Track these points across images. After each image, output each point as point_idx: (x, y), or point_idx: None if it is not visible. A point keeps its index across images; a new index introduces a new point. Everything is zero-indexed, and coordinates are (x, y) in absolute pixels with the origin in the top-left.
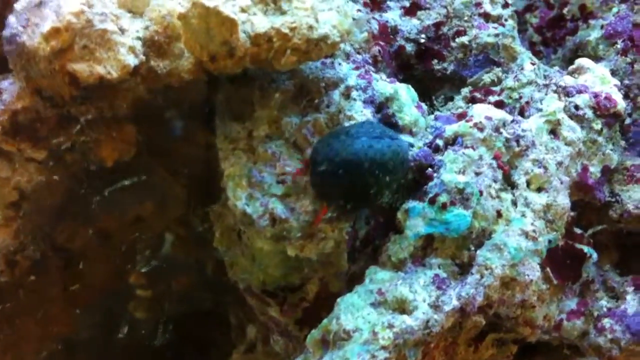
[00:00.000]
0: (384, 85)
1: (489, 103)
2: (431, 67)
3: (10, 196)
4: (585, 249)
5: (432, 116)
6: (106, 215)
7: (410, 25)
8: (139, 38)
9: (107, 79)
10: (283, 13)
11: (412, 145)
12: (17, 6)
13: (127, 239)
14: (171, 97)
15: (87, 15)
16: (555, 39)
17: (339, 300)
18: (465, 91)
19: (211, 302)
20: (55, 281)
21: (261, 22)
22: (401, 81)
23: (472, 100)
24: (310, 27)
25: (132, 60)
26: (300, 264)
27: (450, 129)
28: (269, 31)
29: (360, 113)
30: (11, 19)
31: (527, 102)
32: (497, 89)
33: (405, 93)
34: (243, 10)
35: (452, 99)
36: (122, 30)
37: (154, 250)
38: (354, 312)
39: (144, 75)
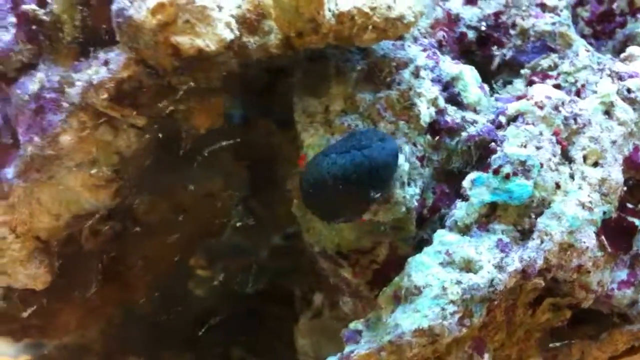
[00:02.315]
0: (449, 65)
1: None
2: (491, 53)
3: (112, 159)
4: (637, 221)
5: (493, 97)
6: (183, 189)
7: (471, 13)
8: (232, 15)
9: (205, 52)
10: None
11: (475, 122)
12: None
13: (200, 215)
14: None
15: None
16: (605, 31)
17: (409, 259)
18: (524, 74)
19: (267, 283)
20: (133, 252)
21: (345, 1)
22: None
23: (531, 84)
24: (389, 7)
25: (228, 35)
26: (372, 228)
27: (512, 107)
28: (352, 10)
29: (429, 91)
30: None
31: (583, 85)
32: (554, 73)
33: (470, 74)
34: None
35: (510, 83)
36: (219, 7)
37: (218, 231)
38: (424, 270)
39: (236, 50)
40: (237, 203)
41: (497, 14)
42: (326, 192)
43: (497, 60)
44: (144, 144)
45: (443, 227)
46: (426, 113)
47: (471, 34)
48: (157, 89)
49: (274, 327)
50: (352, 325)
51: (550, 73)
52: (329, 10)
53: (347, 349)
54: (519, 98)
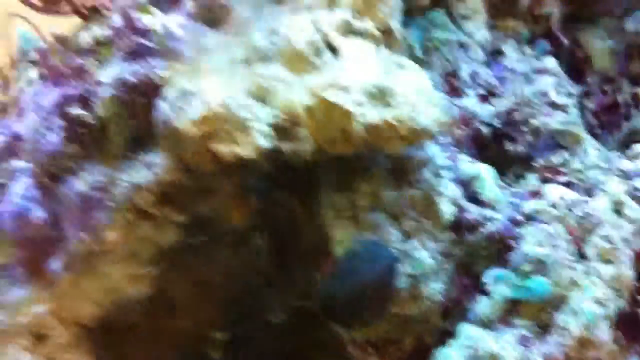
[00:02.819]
0: (468, 165)
1: (558, 183)
2: (504, 148)
3: (150, 252)
4: None
5: (508, 192)
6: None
7: (485, 111)
8: (269, 124)
9: (243, 159)
10: (389, 106)
11: (493, 219)
12: (167, 94)
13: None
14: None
15: (231, 105)
16: (610, 122)
17: (436, 353)
18: (536, 169)
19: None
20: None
21: (373, 115)
22: (479, 160)
23: (544, 180)
24: (413, 119)
25: (264, 143)
26: (399, 319)
27: (528, 206)
28: (379, 122)
29: (450, 190)
30: (163, 106)
31: (593, 184)
32: (565, 169)
33: (487, 173)
34: (359, 104)
35: (523, 176)
36: (257, 117)
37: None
38: None
39: (271, 156)
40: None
41: (510, 111)
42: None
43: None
44: (181, 237)
45: (465, 319)
46: (448, 212)
47: (485, 130)
48: (197, 190)
49: None
50: None
51: (561, 170)
52: (359, 123)
53: None
54: (533, 194)
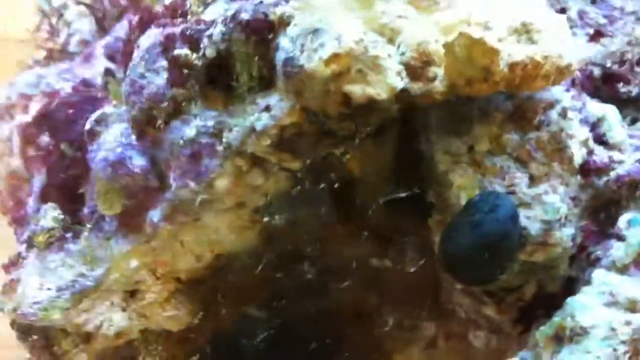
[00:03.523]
0: (594, 106)
1: None
2: (616, 90)
3: (258, 201)
4: None
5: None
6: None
7: (595, 51)
8: (400, 62)
9: (375, 100)
10: (534, 42)
11: (622, 162)
12: (290, 32)
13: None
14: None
15: (365, 42)
16: None
17: (569, 300)
18: None
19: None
20: None
21: (518, 51)
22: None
23: None
24: (560, 57)
25: (398, 83)
26: (524, 268)
27: None
28: (525, 59)
29: (579, 132)
30: (285, 44)
31: None
32: None
33: (613, 113)
34: (500, 40)
35: (636, 119)
36: (390, 56)
37: None
38: (589, 311)
39: (401, 97)
40: None
41: (621, 52)
42: (457, 270)
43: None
44: (292, 187)
45: (592, 265)
46: (579, 154)
47: (597, 71)
48: (317, 134)
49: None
50: None
51: None
52: (502, 60)
53: None
54: None
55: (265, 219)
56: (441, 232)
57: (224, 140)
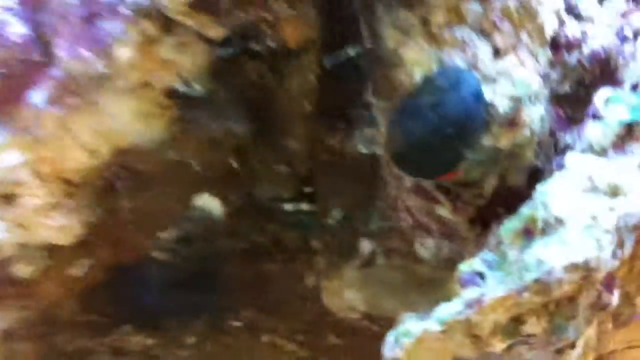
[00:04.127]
0: None
1: None
2: None
3: (171, 81)
4: None
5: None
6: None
7: None
8: None
9: None
10: None
11: (595, 36)
12: None
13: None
14: None
15: None
16: None
17: (540, 188)
18: None
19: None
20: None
21: None
22: None
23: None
24: None
25: None
26: (485, 156)
27: (637, 20)
28: None
29: None
30: None
31: None
32: None
33: None
34: None
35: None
36: None
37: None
38: (564, 198)
39: None
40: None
41: None
42: (410, 160)
43: None
44: (211, 64)
45: (561, 153)
46: (549, 25)
47: None
48: None
49: (279, 285)
50: (466, 267)
51: None
52: None
53: (469, 293)
54: (625, 14)
55: (179, 106)
56: (390, 117)
57: None
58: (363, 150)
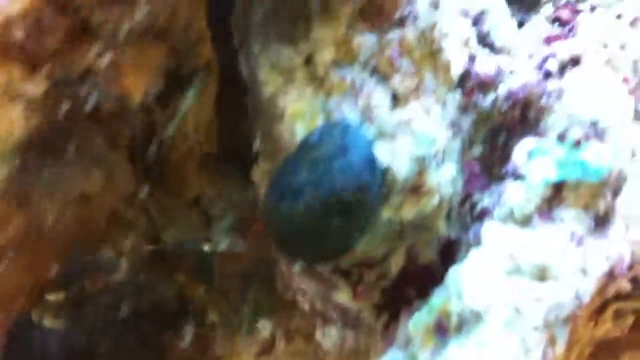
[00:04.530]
0: None
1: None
2: None
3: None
4: None
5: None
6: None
7: None
8: None
9: None
10: None
11: (512, 72)
12: None
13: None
14: None
15: None
16: None
17: (452, 272)
18: (546, 10)
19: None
20: None
21: None
22: None
23: (559, 20)
24: None
25: None
26: (387, 230)
27: (564, 49)
28: None
29: (459, 28)
30: None
31: (636, 19)
32: (584, 5)
33: (498, 5)
34: None
35: (521, 24)
36: None
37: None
38: (482, 284)
39: None
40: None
41: None
42: (292, 247)
43: None
44: (33, 131)
45: (478, 220)
46: (458, 61)
47: None
48: (69, 33)
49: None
50: None
51: (579, 7)
52: None
53: None
54: (549, 40)
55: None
56: (266, 192)
57: None
58: None
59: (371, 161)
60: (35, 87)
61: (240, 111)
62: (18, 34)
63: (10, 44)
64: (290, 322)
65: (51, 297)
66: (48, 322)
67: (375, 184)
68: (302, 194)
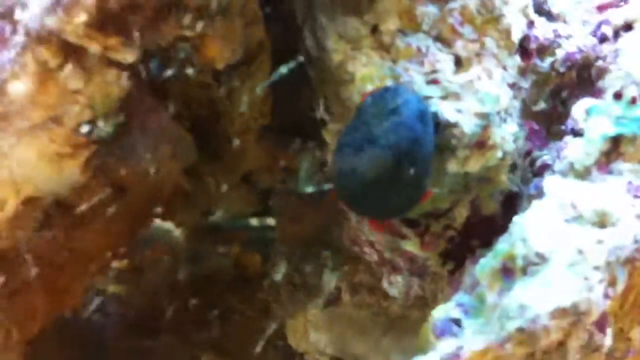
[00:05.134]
0: None
1: None
2: None
3: (82, 115)
4: None
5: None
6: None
7: None
8: None
9: None
10: None
11: (569, 37)
12: None
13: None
14: None
15: None
16: None
17: (517, 220)
18: None
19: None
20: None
21: None
22: None
23: None
24: None
25: None
26: (453, 182)
27: (617, 16)
28: None
29: None
30: None
31: None
32: None
33: None
34: None
35: None
36: None
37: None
38: (546, 230)
39: None
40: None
41: None
42: (361, 202)
43: None
44: (126, 91)
45: (538, 175)
46: (517, 26)
47: None
48: (157, 5)
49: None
50: (440, 313)
51: None
52: None
53: (445, 346)
54: (601, 8)
55: (93, 142)
56: (334, 149)
57: (17, 20)
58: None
59: (423, 116)
60: (129, 55)
61: (298, 84)
62: (113, 5)
63: (106, 15)
64: (355, 275)
65: (115, 264)
66: (112, 288)
67: (427, 136)
68: (359, 152)
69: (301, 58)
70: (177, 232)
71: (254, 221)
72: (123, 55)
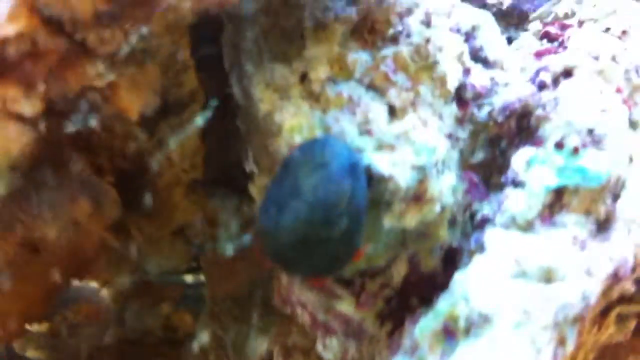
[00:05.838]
0: (464, 11)
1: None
2: (484, 2)
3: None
4: None
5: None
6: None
7: None
8: None
9: None
10: None
11: (507, 84)
12: None
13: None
14: None
15: None
16: None
17: (458, 278)
18: (534, 27)
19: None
20: None
21: None
22: None
23: (547, 36)
24: None
25: None
26: (389, 239)
27: (556, 62)
28: None
29: (452, 43)
30: None
31: (624, 32)
32: (573, 21)
33: (490, 21)
34: None
35: (510, 40)
36: None
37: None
38: (489, 288)
39: None
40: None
41: None
42: (289, 261)
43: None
44: (28, 149)
45: (479, 228)
46: (453, 74)
47: None
48: (64, 54)
49: None
50: None
51: (567, 22)
52: None
53: None
54: (539, 54)
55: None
56: (259, 206)
57: None
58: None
59: (352, 170)
60: (31, 107)
61: (229, 134)
62: (13, 54)
63: (6, 63)
64: (288, 337)
65: (34, 327)
66: (31, 353)
67: (358, 191)
68: (287, 208)
69: (214, 104)
70: (103, 292)
71: (188, 277)
72: (24, 107)
